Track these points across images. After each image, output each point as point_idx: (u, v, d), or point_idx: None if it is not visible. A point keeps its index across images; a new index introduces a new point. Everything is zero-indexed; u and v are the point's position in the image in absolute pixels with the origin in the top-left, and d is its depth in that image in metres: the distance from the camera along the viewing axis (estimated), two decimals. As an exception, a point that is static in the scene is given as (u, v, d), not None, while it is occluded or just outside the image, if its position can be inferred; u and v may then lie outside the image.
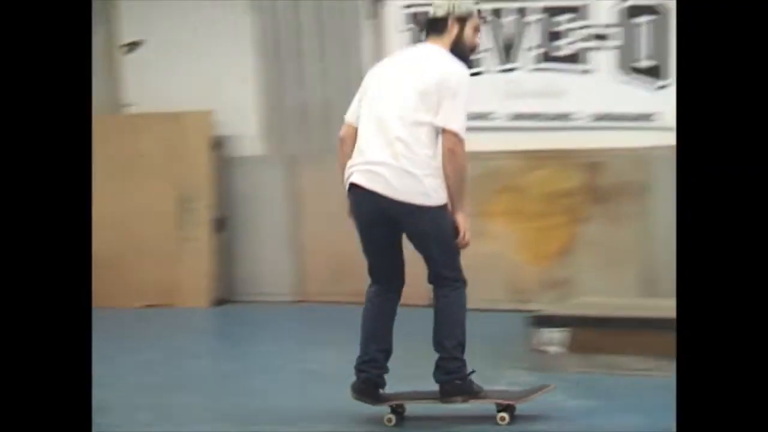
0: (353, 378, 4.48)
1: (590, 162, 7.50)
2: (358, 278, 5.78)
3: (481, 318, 6.76)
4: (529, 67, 7.74)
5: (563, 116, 7.64)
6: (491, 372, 5.18)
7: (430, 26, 4.44)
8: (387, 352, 4.41)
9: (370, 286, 4.47)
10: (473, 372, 4.41)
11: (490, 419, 4.40)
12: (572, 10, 7.56)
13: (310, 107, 8.33)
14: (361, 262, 4.70)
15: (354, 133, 4.41)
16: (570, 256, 7.55)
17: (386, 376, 4.52)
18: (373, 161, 4.18)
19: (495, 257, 7.59)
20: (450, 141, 4.26)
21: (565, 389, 4.87)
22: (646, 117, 7.15)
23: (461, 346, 4.41)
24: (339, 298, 7.72)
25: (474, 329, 6.54)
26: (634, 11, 7.36)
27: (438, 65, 4.30)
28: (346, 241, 7.10)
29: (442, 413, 4.55)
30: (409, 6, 8.08)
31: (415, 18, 7.75)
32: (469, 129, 8.25)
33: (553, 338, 5.53)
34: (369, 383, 4.35)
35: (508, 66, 7.81)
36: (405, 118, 4.18)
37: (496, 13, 7.81)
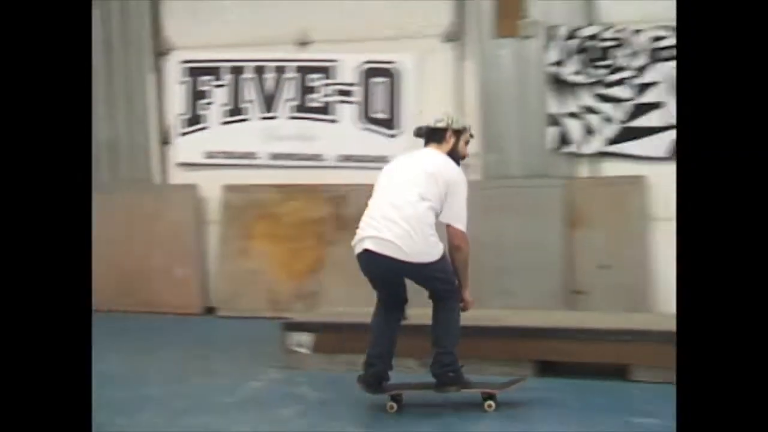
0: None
1: (336, 195, 8.29)
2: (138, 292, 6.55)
3: (245, 324, 7.72)
4: (287, 115, 8.72)
5: (314, 157, 8.63)
6: (253, 368, 5.88)
7: (431, 135, 4.96)
8: (391, 353, 4.87)
9: (379, 305, 4.97)
10: (463, 366, 4.83)
11: (477, 406, 4.80)
12: (322, 70, 8.59)
13: (97, 145, 8.74)
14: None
15: None
16: (318, 273, 8.25)
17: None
18: (387, 236, 4.66)
19: (257, 273, 8.35)
20: (457, 238, 4.78)
21: (309, 383, 5.46)
22: (382, 158, 7.35)
23: (455, 345, 4.82)
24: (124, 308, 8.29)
25: (239, 334, 7.32)
26: (372, 73, 8.43)
27: (443, 161, 4.85)
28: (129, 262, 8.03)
29: (436, 401, 4.89)
30: (186, 62, 8.93)
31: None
32: (236, 166, 9.31)
33: (302, 341, 5.97)
34: (376, 376, 4.82)
35: (270, 114, 8.75)
36: (414, 201, 4.67)
37: (259, 70, 8.72)
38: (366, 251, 4.75)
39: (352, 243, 4.88)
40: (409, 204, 4.69)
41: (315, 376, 5.65)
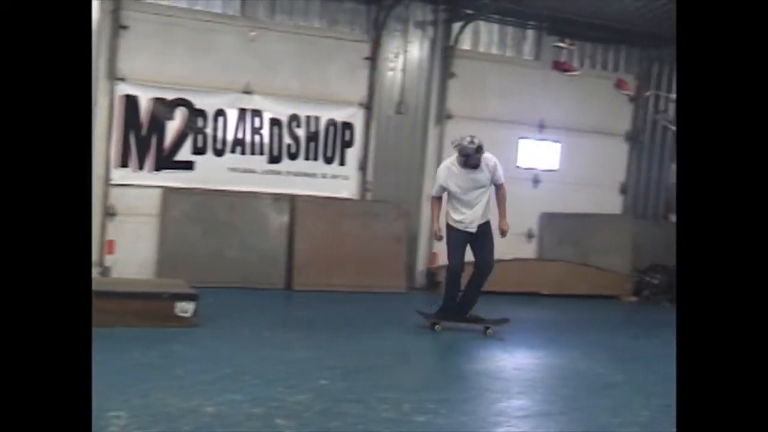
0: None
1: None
2: None
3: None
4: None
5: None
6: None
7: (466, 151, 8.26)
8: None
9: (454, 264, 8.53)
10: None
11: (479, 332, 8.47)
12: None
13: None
14: None
15: (439, 202, 8.69)
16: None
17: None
18: (469, 219, 8.48)
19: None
20: (502, 188, 8.60)
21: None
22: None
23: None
24: None
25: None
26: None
27: (490, 160, 8.47)
28: None
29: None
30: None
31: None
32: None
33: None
34: (451, 312, 8.64)
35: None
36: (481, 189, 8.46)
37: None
38: (459, 229, 8.53)
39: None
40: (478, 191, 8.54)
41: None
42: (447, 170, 8.51)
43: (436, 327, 8.61)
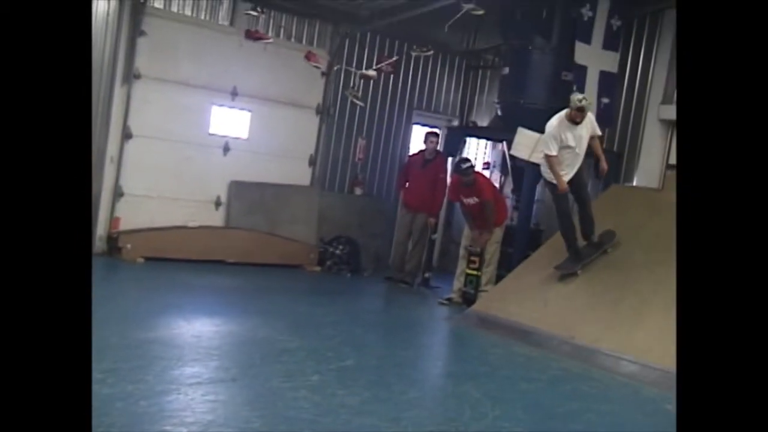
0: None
1: None
2: None
3: None
4: None
5: None
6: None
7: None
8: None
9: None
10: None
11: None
12: None
13: None
14: None
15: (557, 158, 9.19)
16: None
17: None
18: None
19: None
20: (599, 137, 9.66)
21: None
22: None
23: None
24: None
25: None
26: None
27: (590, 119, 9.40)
28: None
29: None
30: None
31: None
32: None
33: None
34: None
35: None
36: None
37: None
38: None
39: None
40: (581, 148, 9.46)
41: None
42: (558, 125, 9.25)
43: (578, 272, 9.46)
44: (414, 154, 12.90)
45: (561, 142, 9.18)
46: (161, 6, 11.49)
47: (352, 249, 13.11)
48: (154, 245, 11.22)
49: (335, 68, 13.00)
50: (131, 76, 11.22)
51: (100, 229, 11.10)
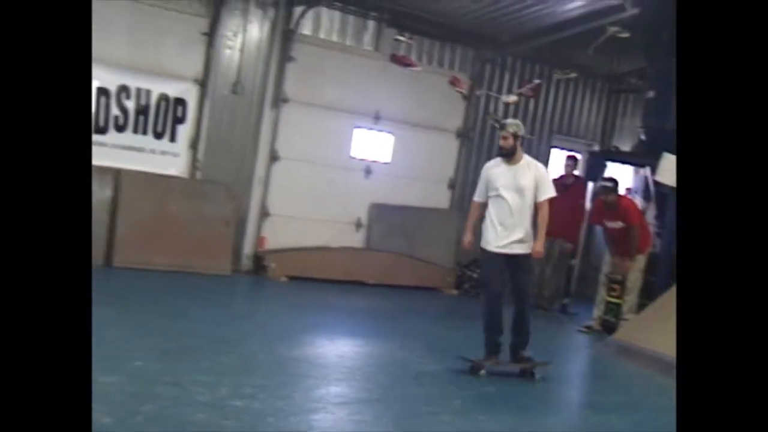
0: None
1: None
2: None
3: None
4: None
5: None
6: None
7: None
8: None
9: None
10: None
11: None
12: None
13: None
14: None
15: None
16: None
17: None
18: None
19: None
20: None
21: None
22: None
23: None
24: None
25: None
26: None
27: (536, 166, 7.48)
28: None
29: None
30: None
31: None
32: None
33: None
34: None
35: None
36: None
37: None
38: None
39: None
40: None
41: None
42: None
43: (482, 372, 7.25)
44: (554, 179, 12.76)
45: (490, 187, 7.33)
46: (309, 33, 11.87)
47: (489, 273, 13.05)
48: (297, 265, 11.55)
49: (477, 93, 13.06)
50: (279, 100, 11.63)
51: (248, 248, 11.55)
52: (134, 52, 10.53)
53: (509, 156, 7.29)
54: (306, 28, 11.81)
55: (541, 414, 6.48)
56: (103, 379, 5.41)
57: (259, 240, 11.63)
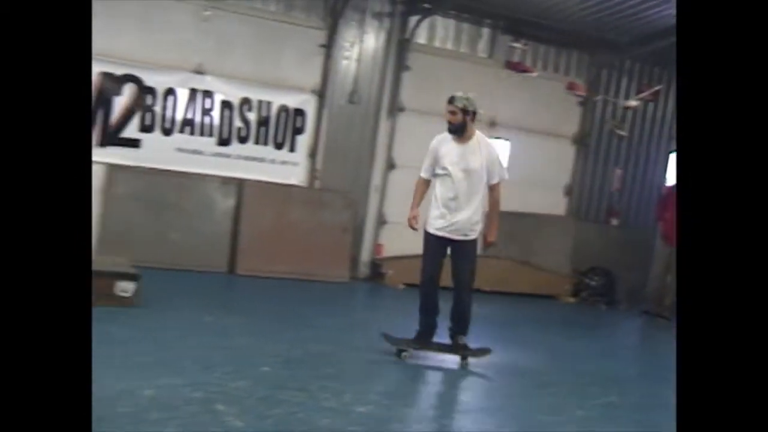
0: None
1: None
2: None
3: None
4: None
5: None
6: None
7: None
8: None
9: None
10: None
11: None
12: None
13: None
14: None
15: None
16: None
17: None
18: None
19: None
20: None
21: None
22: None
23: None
24: None
25: None
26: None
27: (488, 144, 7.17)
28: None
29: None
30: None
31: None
32: None
33: None
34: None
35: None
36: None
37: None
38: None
39: None
40: None
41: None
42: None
43: (404, 354, 7.11)
44: (673, 185, 12.45)
45: (437, 164, 7.01)
46: (424, 41, 11.96)
47: (608, 281, 12.84)
48: (414, 272, 11.56)
49: (594, 98, 12.87)
50: (396, 109, 11.75)
51: (365, 255, 11.71)
52: (256, 66, 10.86)
53: (457, 133, 6.93)
54: (421, 37, 11.91)
55: (668, 427, 6.32)
56: (233, 384, 5.62)
57: (376, 247, 11.76)
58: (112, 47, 9.94)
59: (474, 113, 6.95)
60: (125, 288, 7.67)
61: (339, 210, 11.33)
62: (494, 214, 7.07)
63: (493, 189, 6.99)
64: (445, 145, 6.95)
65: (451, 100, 6.92)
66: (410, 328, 8.95)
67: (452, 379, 6.95)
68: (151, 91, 10.35)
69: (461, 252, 6.94)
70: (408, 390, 6.32)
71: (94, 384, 5.06)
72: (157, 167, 10.40)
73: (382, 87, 11.66)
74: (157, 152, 10.42)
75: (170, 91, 10.45)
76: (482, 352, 7.23)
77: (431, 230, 6.93)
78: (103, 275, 7.68)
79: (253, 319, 8.15)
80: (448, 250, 7.02)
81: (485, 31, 12.38)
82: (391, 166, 11.87)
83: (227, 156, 10.79)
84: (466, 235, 6.90)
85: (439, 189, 6.93)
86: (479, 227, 6.97)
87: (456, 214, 6.85)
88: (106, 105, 10.13)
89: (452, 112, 6.87)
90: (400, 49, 11.68)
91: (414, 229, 7.04)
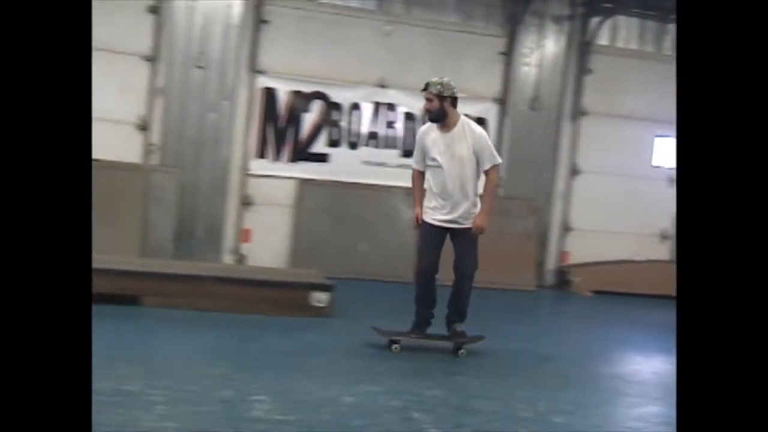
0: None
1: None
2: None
3: None
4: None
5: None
6: None
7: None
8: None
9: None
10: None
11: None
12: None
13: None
14: None
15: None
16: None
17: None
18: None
19: None
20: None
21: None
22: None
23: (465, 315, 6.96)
24: None
25: None
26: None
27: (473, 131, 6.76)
28: None
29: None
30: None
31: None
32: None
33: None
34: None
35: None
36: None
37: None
38: None
39: None
40: None
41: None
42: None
43: (395, 347, 6.91)
44: None
45: (426, 155, 6.78)
46: (607, 42, 11.70)
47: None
48: (601, 278, 11.38)
49: None
50: (578, 113, 11.56)
51: (550, 262, 11.57)
52: (436, 77, 10.96)
53: (439, 120, 6.69)
54: (603, 39, 11.66)
55: None
56: (429, 393, 5.71)
57: (562, 254, 11.60)
58: (301, 67, 10.39)
59: (453, 98, 6.71)
60: (320, 299, 7.95)
61: (523, 217, 11.26)
62: (487, 200, 6.83)
63: (488, 174, 6.82)
64: (431, 135, 6.79)
65: (426, 87, 6.71)
66: (601, 336, 8.78)
67: (647, 390, 6.76)
68: (337, 106, 10.71)
69: (459, 241, 6.83)
70: (601, 400, 6.19)
71: (299, 391, 5.37)
72: (343, 180, 10.74)
73: (564, 92, 11.50)
74: (343, 166, 10.77)
75: (355, 106, 10.78)
76: (477, 339, 7.11)
77: (429, 220, 6.83)
78: (299, 287, 8.02)
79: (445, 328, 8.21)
80: (445, 246, 6.96)
81: (671, 27, 11.94)
82: (575, 171, 11.68)
83: (410, 167, 10.95)
84: (461, 223, 6.76)
85: (431, 179, 6.81)
86: (475, 214, 6.82)
87: (450, 203, 6.73)
88: (297, 122, 10.59)
89: (428, 99, 6.68)
90: (581, 52, 11.49)
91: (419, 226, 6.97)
